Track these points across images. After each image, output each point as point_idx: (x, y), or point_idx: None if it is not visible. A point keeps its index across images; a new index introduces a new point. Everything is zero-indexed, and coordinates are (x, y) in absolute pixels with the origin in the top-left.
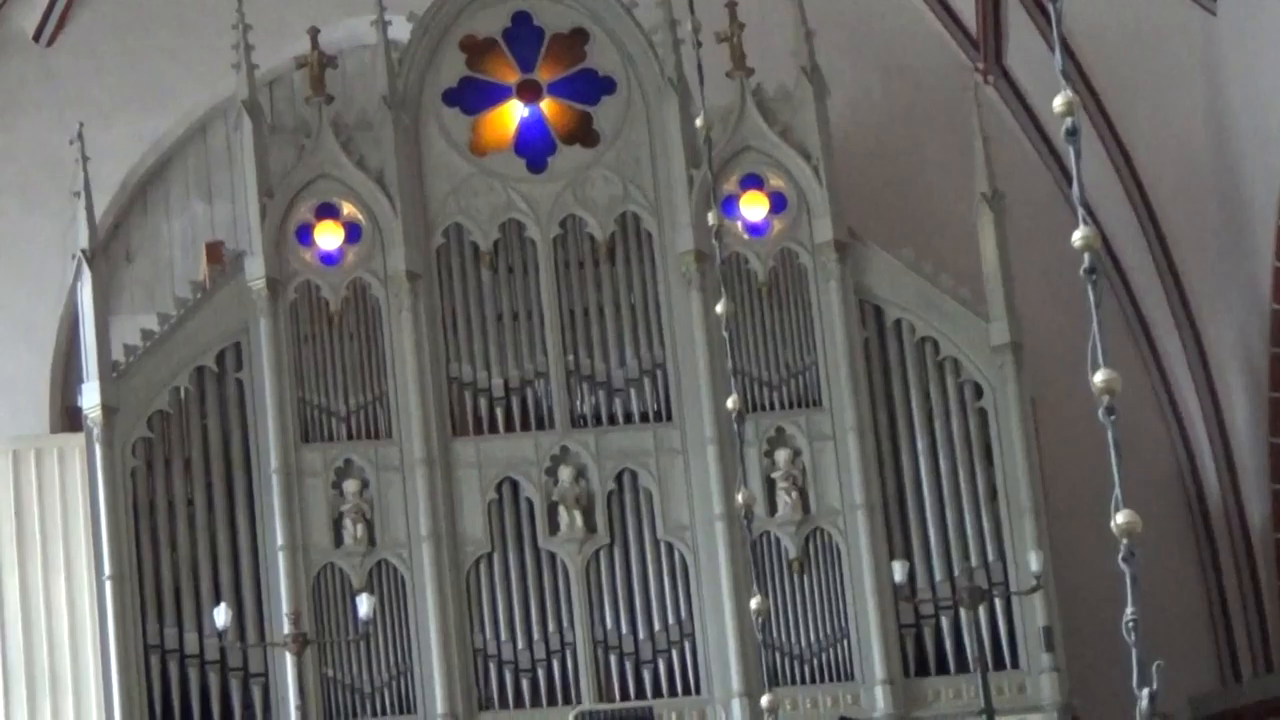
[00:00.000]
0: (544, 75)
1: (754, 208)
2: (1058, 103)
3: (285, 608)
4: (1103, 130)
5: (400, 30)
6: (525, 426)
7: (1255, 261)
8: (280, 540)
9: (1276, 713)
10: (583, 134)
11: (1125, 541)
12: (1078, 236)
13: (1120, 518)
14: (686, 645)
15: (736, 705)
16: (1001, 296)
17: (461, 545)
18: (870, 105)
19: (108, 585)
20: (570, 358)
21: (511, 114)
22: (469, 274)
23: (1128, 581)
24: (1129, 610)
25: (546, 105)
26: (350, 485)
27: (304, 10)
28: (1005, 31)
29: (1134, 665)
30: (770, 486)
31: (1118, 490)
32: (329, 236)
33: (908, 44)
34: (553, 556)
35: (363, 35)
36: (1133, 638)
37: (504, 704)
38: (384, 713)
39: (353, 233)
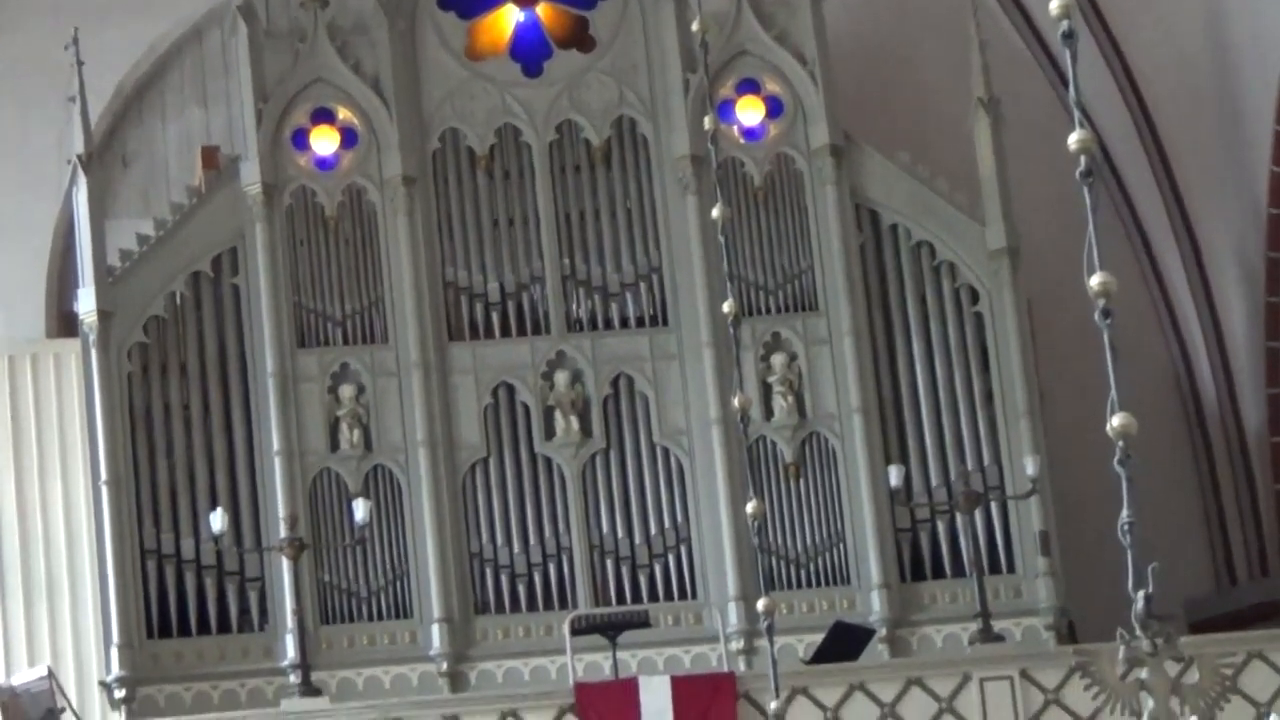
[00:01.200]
0: None
1: (750, 112)
2: (1054, 6)
3: (281, 512)
4: (1099, 35)
5: None
6: (521, 331)
7: (1252, 166)
8: (276, 445)
9: (1272, 616)
10: (579, 38)
11: (1121, 444)
12: (1074, 139)
13: (1116, 420)
14: (682, 549)
15: (732, 609)
16: (998, 201)
17: (457, 450)
18: (866, 9)
19: (104, 490)
20: (566, 262)
21: (507, 18)
22: (464, 179)
23: (1124, 485)
24: (1125, 513)
25: (542, 9)
26: (346, 390)
27: None
28: None
29: (1129, 568)
30: (766, 391)
31: (1114, 393)
32: (324, 141)
33: None
34: (549, 461)
35: None
36: (1128, 540)
37: (500, 608)
38: (380, 617)
39: (348, 138)
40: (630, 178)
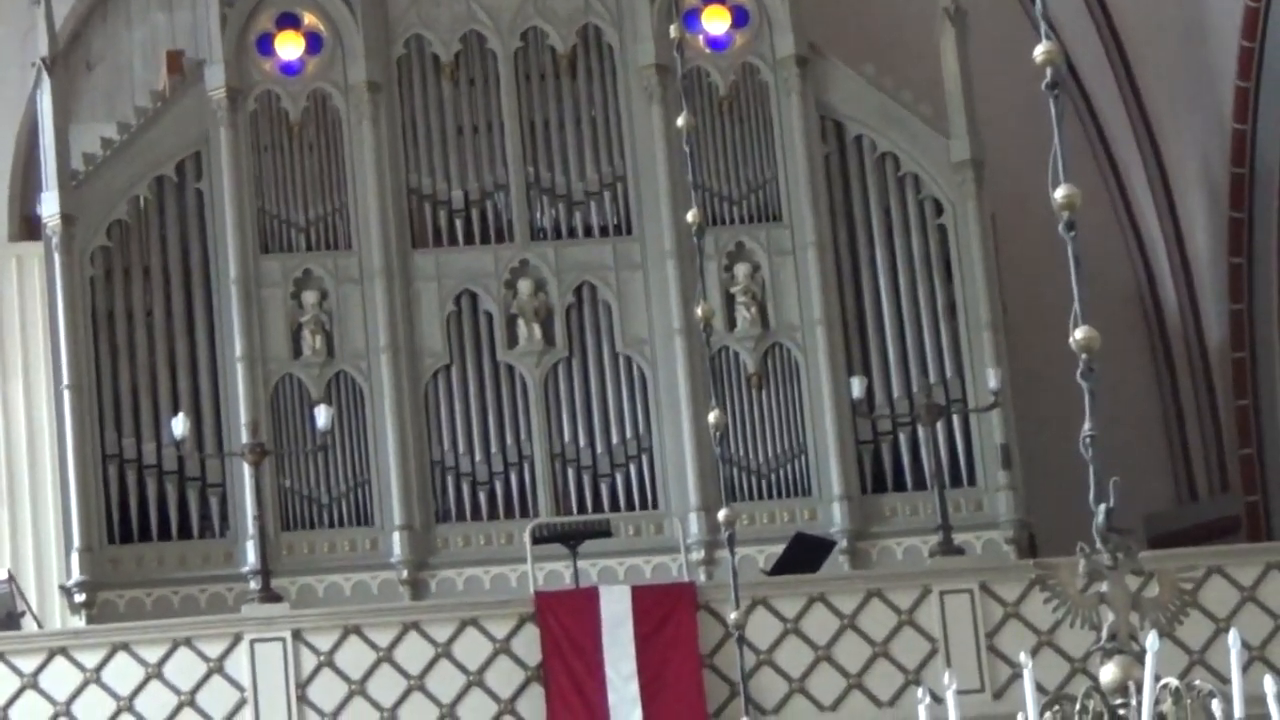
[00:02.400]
0: None
1: (716, 21)
2: None
3: (243, 418)
4: None
5: None
6: (485, 239)
7: (1218, 82)
8: (238, 351)
9: (1231, 532)
10: None
11: (1084, 357)
12: (1039, 51)
13: (1079, 333)
14: (644, 459)
15: (693, 519)
16: (963, 114)
17: (420, 357)
18: None
19: (66, 395)
20: (530, 170)
21: None
22: (429, 86)
23: (1086, 398)
24: (1086, 426)
25: None
26: (309, 296)
27: None
28: None
29: (1090, 482)
30: (729, 301)
31: (1077, 306)
32: (289, 47)
33: None
34: (511, 369)
35: None
36: (1089, 454)
37: (461, 516)
38: (341, 524)
39: (313, 43)
40: (595, 86)
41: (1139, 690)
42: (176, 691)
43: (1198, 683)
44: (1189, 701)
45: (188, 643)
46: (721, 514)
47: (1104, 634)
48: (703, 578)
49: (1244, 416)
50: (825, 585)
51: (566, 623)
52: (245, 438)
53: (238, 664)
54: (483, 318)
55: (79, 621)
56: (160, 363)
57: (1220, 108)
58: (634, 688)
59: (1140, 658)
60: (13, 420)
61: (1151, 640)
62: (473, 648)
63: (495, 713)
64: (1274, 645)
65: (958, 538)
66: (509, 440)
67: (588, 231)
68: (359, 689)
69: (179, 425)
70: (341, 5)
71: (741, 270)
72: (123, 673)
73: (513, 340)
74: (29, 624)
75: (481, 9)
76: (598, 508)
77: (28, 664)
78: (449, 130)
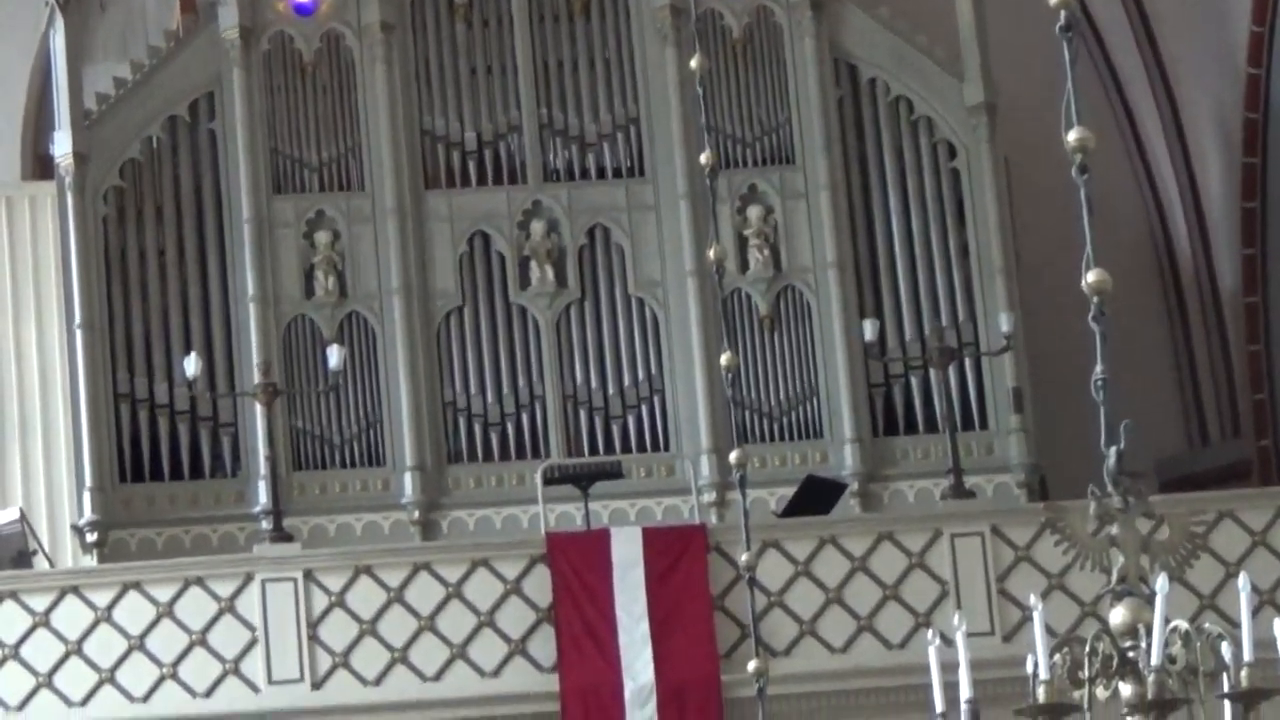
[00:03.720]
0: None
1: None
2: None
3: (255, 358)
4: None
5: None
6: (498, 180)
7: (1232, 26)
8: (251, 291)
9: (1242, 476)
10: None
11: (1096, 300)
12: None
13: (1091, 276)
14: (656, 401)
15: (705, 461)
16: (977, 56)
17: (432, 298)
18: None
19: (78, 334)
20: (544, 112)
21: None
22: (443, 26)
23: (1097, 341)
24: (1098, 369)
25: None
26: (322, 236)
27: None
28: None
29: (1102, 425)
30: (742, 244)
31: (1089, 249)
32: None
33: None
34: (523, 311)
35: None
36: (1101, 397)
37: (473, 457)
38: (353, 464)
39: None
40: (609, 28)
41: (1148, 633)
42: (188, 631)
43: (1207, 626)
44: (1198, 644)
45: (199, 582)
46: (733, 456)
47: (1114, 577)
48: (714, 520)
49: (1256, 361)
50: (836, 528)
51: (577, 564)
52: (257, 378)
53: (249, 603)
54: (495, 259)
55: (90, 561)
56: (173, 302)
57: (1234, 52)
58: (645, 629)
59: (1150, 601)
60: (25, 359)
61: (1161, 583)
62: (484, 588)
63: (506, 653)
64: None
65: (969, 481)
66: (521, 381)
67: (600, 173)
68: (370, 629)
69: (191, 365)
70: None
71: (754, 213)
72: (134, 612)
73: (525, 282)
74: (40, 563)
75: None
76: (609, 449)
77: (39, 603)
78: (462, 71)
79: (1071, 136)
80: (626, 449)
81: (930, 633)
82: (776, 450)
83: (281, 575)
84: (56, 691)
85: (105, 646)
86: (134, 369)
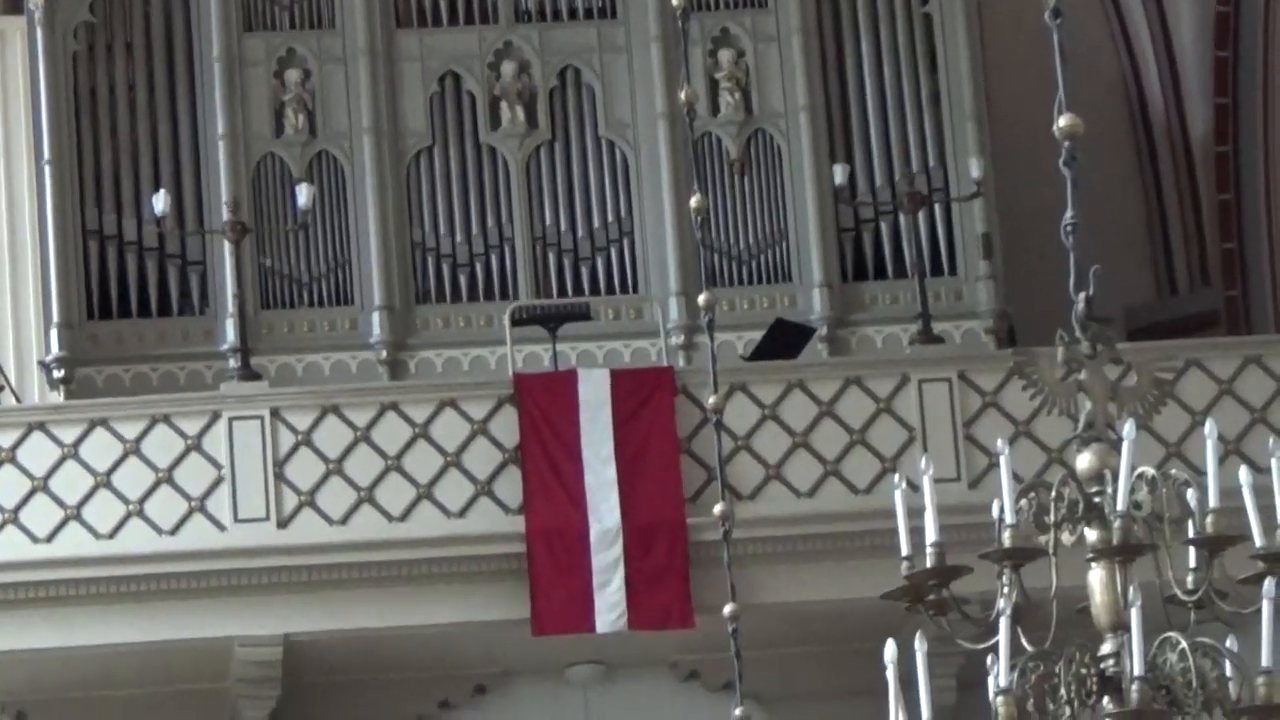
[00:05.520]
0: None
1: None
2: None
3: (224, 196)
4: None
5: None
6: (469, 19)
7: None
8: (221, 128)
9: (1210, 325)
10: None
11: (1067, 145)
12: None
13: (1063, 121)
14: (625, 243)
15: (673, 304)
16: None
17: (402, 138)
18: None
19: (47, 170)
20: None
21: None
22: None
23: (1068, 186)
24: (1068, 214)
25: None
26: (292, 75)
27: None
28: None
29: (1071, 270)
30: (713, 86)
31: (1061, 94)
32: None
33: None
34: (493, 151)
35: None
36: (1070, 241)
37: (441, 297)
38: (321, 303)
39: None
40: None
41: (1114, 479)
42: (154, 468)
43: (1173, 472)
44: (1164, 491)
45: (166, 419)
46: (701, 299)
47: (1081, 422)
48: (681, 362)
49: (1226, 211)
50: (804, 372)
51: (545, 405)
52: (226, 215)
53: (216, 441)
54: (466, 99)
55: (57, 397)
56: (142, 139)
57: None
58: (611, 471)
59: (1116, 446)
60: None
61: (1128, 429)
62: (451, 429)
63: (472, 494)
64: (1250, 439)
65: (937, 327)
66: (490, 222)
67: (572, 14)
68: (336, 468)
69: (160, 202)
70: None
71: (726, 56)
72: (101, 449)
73: (495, 122)
74: (7, 399)
75: None
76: (578, 291)
77: (5, 439)
78: None
79: None
80: (595, 291)
81: (897, 478)
82: (745, 294)
83: (248, 413)
84: (22, 528)
85: (71, 483)
86: (102, 205)
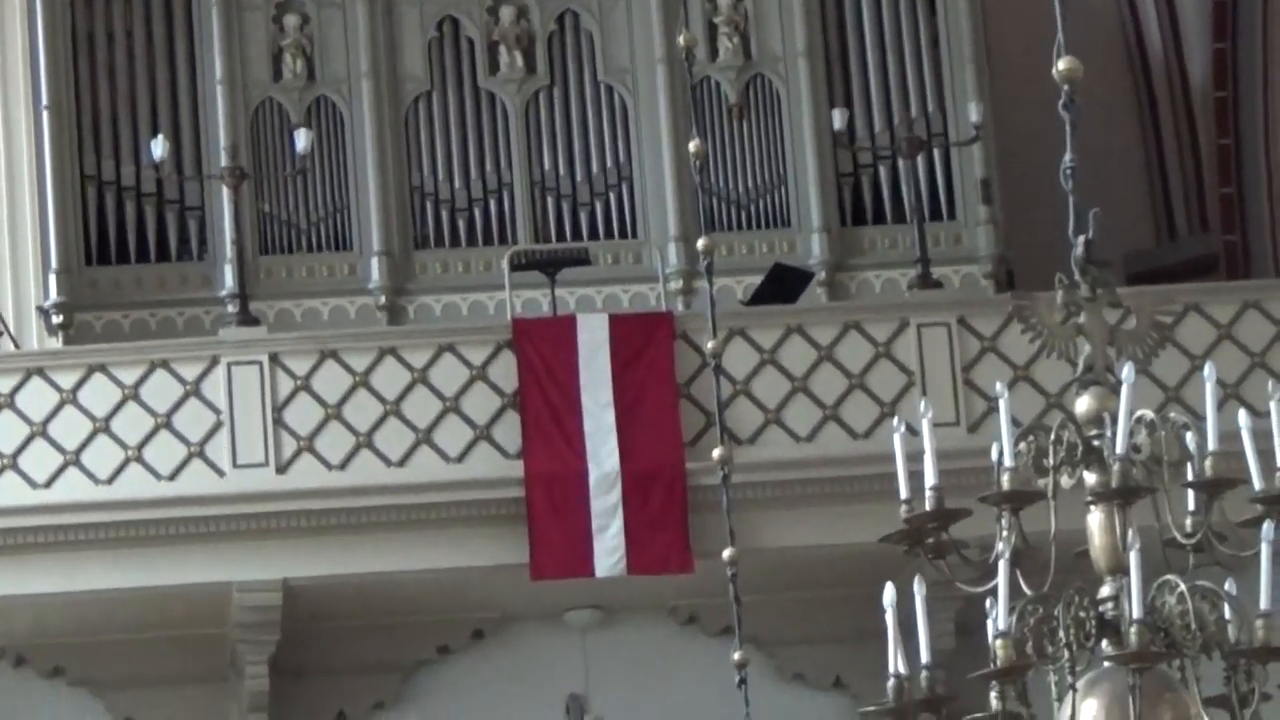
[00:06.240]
0: None
1: None
2: None
3: (223, 141)
4: None
5: None
6: None
7: None
8: (219, 74)
9: (1209, 270)
10: None
11: (1066, 88)
12: None
13: (1062, 64)
14: (624, 188)
15: (672, 248)
16: None
17: (401, 83)
18: None
19: (45, 115)
20: None
21: None
22: None
23: (1067, 129)
24: (1067, 157)
25: None
26: (290, 19)
27: None
28: None
29: (1070, 213)
30: (712, 31)
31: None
32: None
33: None
34: (492, 96)
35: None
36: (1070, 185)
37: (440, 242)
38: (320, 248)
39: None
40: None
41: (1113, 422)
42: (153, 414)
43: (1172, 415)
44: (1163, 434)
45: (164, 365)
46: (700, 243)
47: (1080, 365)
48: (680, 307)
49: (1225, 155)
50: (803, 316)
51: (544, 350)
52: (224, 161)
53: (214, 387)
54: (464, 44)
55: (56, 343)
56: (140, 85)
57: None
58: (610, 416)
59: (1116, 390)
60: None
61: (1127, 372)
62: (450, 374)
63: (471, 439)
64: (1248, 383)
65: (936, 271)
66: (489, 167)
67: None
68: (335, 413)
69: (158, 147)
70: None
71: (724, 0)
72: (99, 394)
73: (494, 67)
74: (6, 344)
75: None
76: (577, 236)
77: (4, 384)
78: None
79: None
80: (594, 236)
81: (896, 422)
82: (744, 238)
83: (247, 359)
84: (21, 473)
85: (70, 429)
86: (101, 151)
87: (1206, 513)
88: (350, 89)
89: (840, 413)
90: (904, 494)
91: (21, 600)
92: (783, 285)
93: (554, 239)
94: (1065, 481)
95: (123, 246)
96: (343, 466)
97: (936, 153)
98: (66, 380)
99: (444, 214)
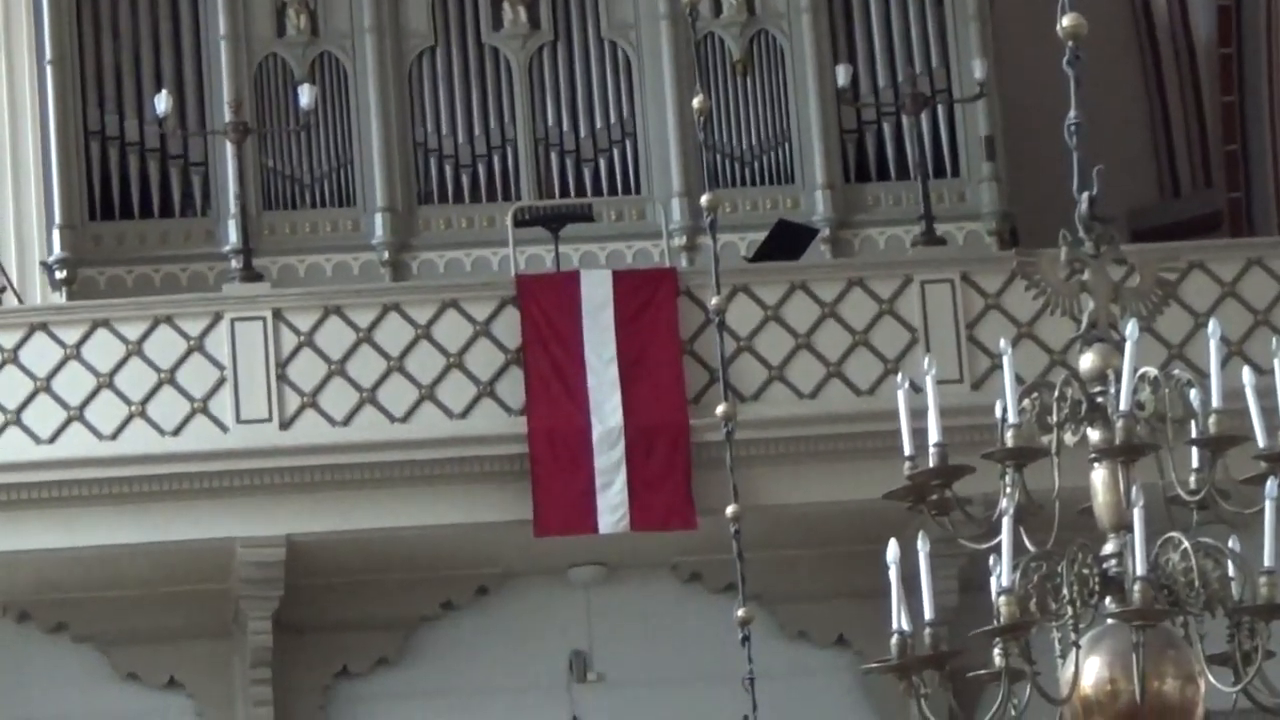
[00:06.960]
0: None
1: None
2: None
3: (226, 96)
4: None
5: None
6: None
7: None
8: (222, 29)
9: (1213, 227)
10: None
11: (1070, 45)
12: None
13: (1066, 20)
14: (628, 144)
15: (676, 205)
16: None
17: (405, 38)
18: None
19: (48, 70)
20: None
21: None
22: None
23: (1071, 85)
24: (1072, 113)
25: None
26: None
27: None
28: None
29: (1074, 170)
30: None
31: None
32: None
33: None
34: (496, 52)
35: None
36: (1074, 141)
37: (443, 198)
38: (323, 204)
39: None
40: None
41: (1117, 379)
42: (156, 369)
43: (1176, 372)
44: (1166, 391)
45: (168, 320)
46: (704, 199)
47: (1084, 322)
48: (684, 263)
49: (1229, 112)
50: (806, 273)
51: (547, 306)
52: (228, 116)
53: (218, 342)
54: None
55: (59, 298)
56: (144, 39)
57: None
58: (613, 372)
59: (1119, 347)
60: None
61: (1131, 329)
62: (453, 330)
63: (474, 395)
64: (1253, 340)
65: (940, 228)
66: (492, 123)
67: None
68: (338, 369)
69: (162, 102)
70: None
71: None
72: (103, 349)
73: (498, 23)
74: (9, 299)
75: None
76: (580, 192)
77: (8, 339)
78: None
79: None
80: (598, 192)
81: (899, 378)
82: (747, 195)
83: (250, 314)
84: (25, 428)
85: (74, 384)
86: (104, 106)
87: (1210, 470)
88: (354, 44)
89: (844, 369)
90: (908, 450)
91: (25, 556)
92: (786, 242)
93: (557, 195)
94: (1069, 438)
95: (126, 202)
96: (346, 422)
97: (940, 109)
98: (70, 336)
99: (448, 170)
